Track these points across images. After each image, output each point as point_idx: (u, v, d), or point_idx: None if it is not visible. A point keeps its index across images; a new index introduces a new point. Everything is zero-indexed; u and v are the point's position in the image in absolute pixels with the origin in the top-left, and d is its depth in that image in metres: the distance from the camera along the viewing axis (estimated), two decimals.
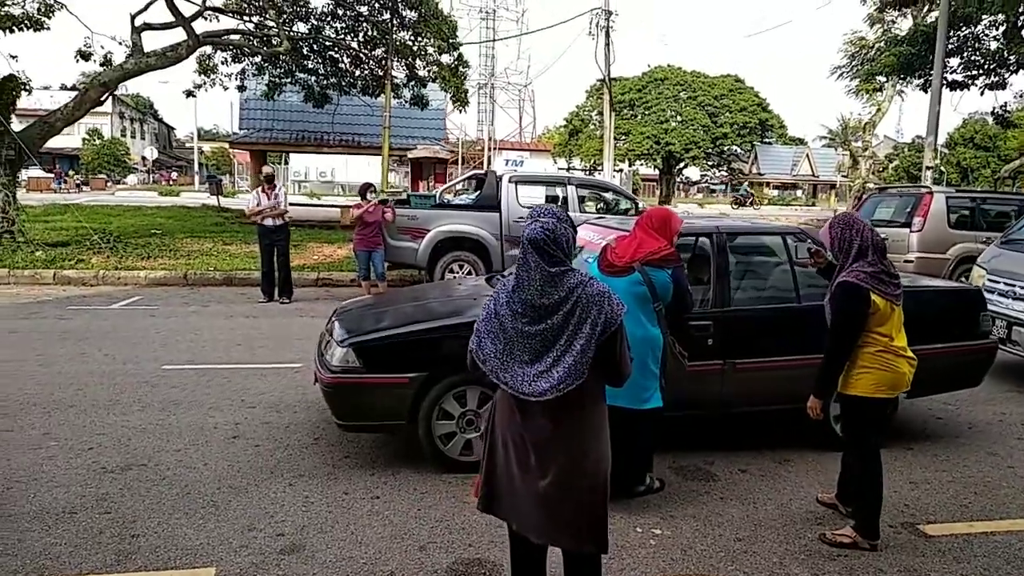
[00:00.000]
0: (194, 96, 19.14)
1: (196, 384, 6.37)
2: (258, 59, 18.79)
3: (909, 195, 11.81)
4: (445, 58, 17.08)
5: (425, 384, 4.53)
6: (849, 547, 3.79)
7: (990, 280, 7.31)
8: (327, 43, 18.40)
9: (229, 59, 18.87)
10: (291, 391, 6.27)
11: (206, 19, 17.26)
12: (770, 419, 5.43)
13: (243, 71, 19.33)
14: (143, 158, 56.22)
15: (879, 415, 3.81)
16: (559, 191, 11.42)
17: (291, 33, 16.38)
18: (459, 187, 12.68)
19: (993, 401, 6.54)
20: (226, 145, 76.15)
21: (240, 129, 22.20)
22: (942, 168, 48.13)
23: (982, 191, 14.38)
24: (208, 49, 18.01)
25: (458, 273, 10.83)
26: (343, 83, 19.32)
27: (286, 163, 50.00)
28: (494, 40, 42.34)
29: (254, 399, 6.04)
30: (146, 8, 14.84)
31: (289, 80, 19.24)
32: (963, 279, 11.04)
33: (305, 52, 18.36)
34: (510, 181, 11.09)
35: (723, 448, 5.17)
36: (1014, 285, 6.93)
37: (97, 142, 48.41)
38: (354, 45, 18.57)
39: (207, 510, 4.08)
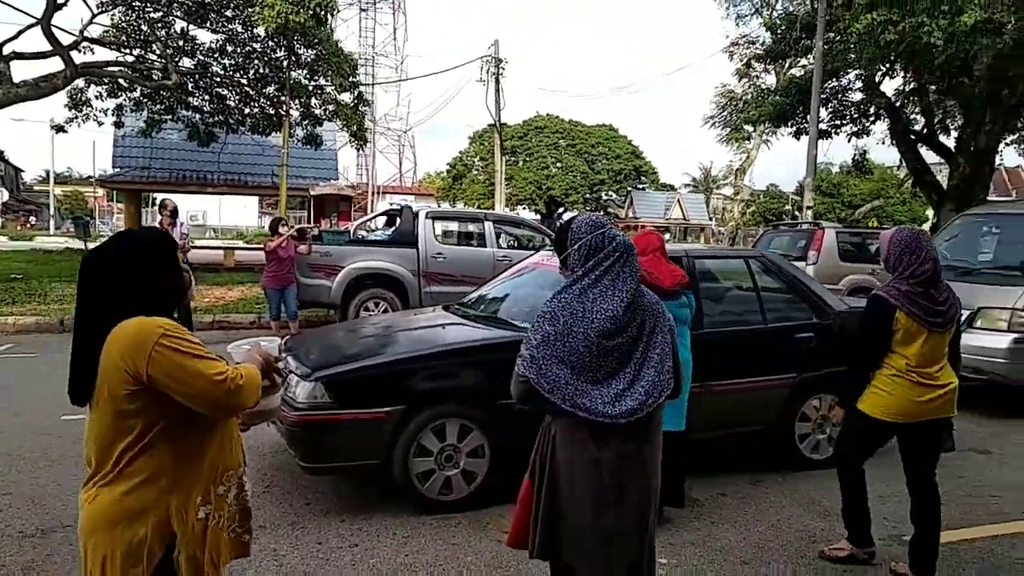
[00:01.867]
0: (64, 131, 17.67)
1: None
2: (136, 94, 17.65)
3: (802, 231, 12.55)
4: (345, 96, 16.73)
5: (403, 419, 4.19)
6: (847, 560, 3.79)
7: None
8: (215, 80, 17.58)
9: (104, 93, 17.60)
10: None
11: (80, 51, 16.14)
12: (730, 443, 5.42)
13: (120, 106, 18.06)
14: None
15: (875, 439, 3.71)
16: (476, 227, 11.28)
17: (178, 67, 15.53)
18: (371, 224, 12.30)
19: None
20: (81, 188, 71.30)
21: (114, 167, 20.66)
22: (796, 212, 52.07)
23: (865, 228, 15.56)
24: (80, 82, 16.78)
25: (373, 311, 10.39)
26: (231, 121, 18.46)
27: (152, 205, 47.27)
28: (398, 80, 42.13)
29: None
30: (17, 36, 13.67)
31: (171, 117, 18.14)
32: None
33: (190, 88, 17.44)
34: (427, 217, 10.85)
35: (693, 473, 5.09)
36: None
37: None
38: (244, 82, 17.83)
39: None
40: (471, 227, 11.37)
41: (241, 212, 46.12)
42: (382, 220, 12.39)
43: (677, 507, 4.26)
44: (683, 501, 4.31)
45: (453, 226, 11.55)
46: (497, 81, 27.01)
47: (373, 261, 10.49)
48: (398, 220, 11.44)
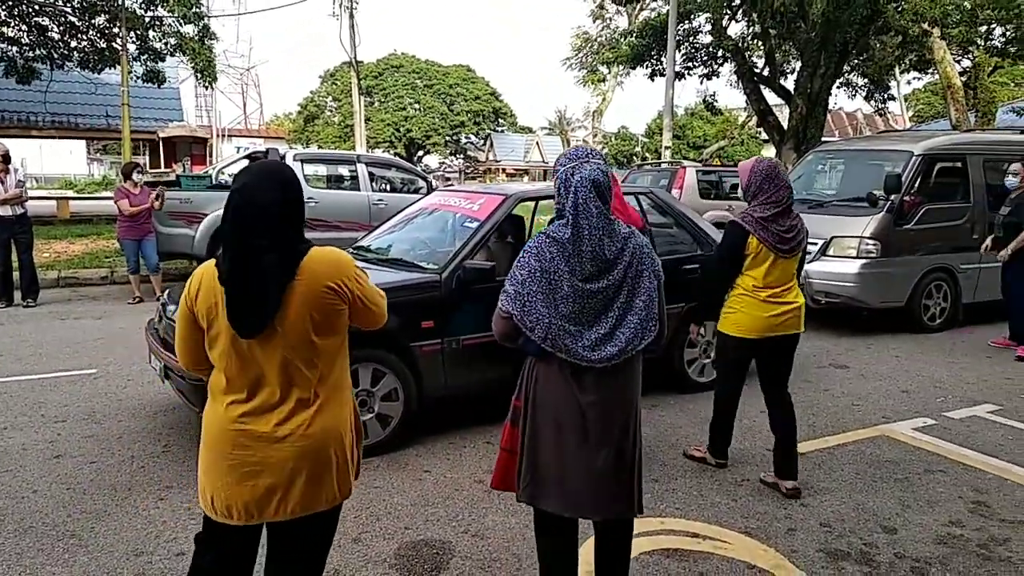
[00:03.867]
0: None
1: None
2: None
3: (664, 170, 13.11)
4: (189, 28, 15.37)
5: None
6: (701, 460, 4.26)
7: None
8: (33, 7, 15.62)
9: None
10: (100, 400, 5.29)
11: None
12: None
13: None
14: None
15: (737, 355, 3.95)
16: (348, 169, 10.91)
17: None
18: (233, 169, 11.55)
19: None
20: None
21: None
22: (645, 154, 54.24)
23: (721, 167, 16.45)
24: None
25: None
26: (55, 55, 16.54)
27: None
28: (239, 13, 38.92)
29: (57, 412, 5.00)
30: None
31: None
32: None
33: (4, 17, 15.42)
34: (296, 159, 10.34)
35: None
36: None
37: None
38: (68, 11, 15.97)
39: (68, 542, 3.30)
40: (343, 170, 10.99)
41: (67, 158, 41.79)
42: (244, 164, 11.68)
43: None
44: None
45: (324, 169, 11.11)
46: (351, 16, 25.89)
47: None
48: None
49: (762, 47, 19.82)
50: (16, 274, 8.86)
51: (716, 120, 40.31)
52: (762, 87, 19.62)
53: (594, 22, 29.71)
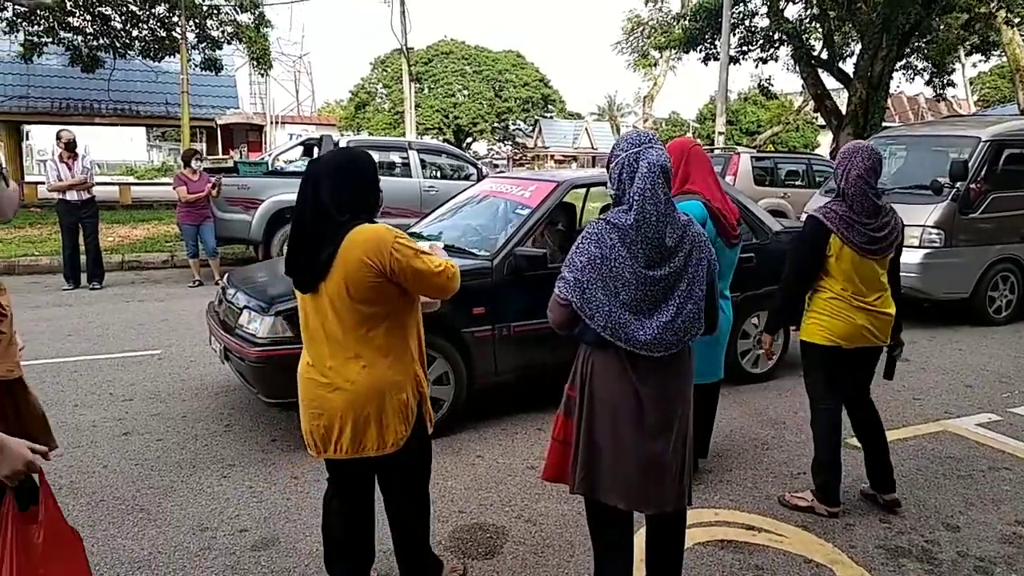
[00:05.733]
0: None
1: (40, 382, 5.33)
2: (8, 14, 15.96)
3: (718, 156, 12.87)
4: (245, 17, 15.65)
5: None
6: (806, 510, 3.53)
7: None
8: None
9: None
10: (164, 380, 5.47)
11: None
12: None
13: None
14: None
15: (831, 367, 3.48)
16: (400, 156, 11.01)
17: None
18: (289, 156, 11.77)
19: None
20: None
21: None
22: (697, 140, 53.34)
23: (776, 153, 16.10)
24: None
25: None
26: (117, 44, 17.01)
27: (26, 139, 43.45)
28: (292, 2, 39.53)
29: (125, 391, 5.19)
30: None
31: (50, 40, 16.52)
32: None
33: (69, 7, 15.89)
34: (348, 145, 10.48)
35: None
36: None
37: None
38: (130, 1, 16.39)
39: (137, 516, 3.43)
40: (395, 157, 11.08)
41: (128, 145, 42.99)
42: (299, 151, 11.89)
43: (702, 457, 3.99)
44: (707, 452, 4.05)
45: (376, 156, 11.21)
46: (402, 3, 25.96)
47: (295, 193, 10.03)
48: (316, 150, 11.01)
49: (820, 29, 19.28)
50: (83, 257, 9.20)
51: (770, 105, 39.40)
52: (820, 71, 19.12)
53: (645, 5, 29.25)
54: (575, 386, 2.48)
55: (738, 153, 12.51)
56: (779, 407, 5.07)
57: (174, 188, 9.47)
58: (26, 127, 27.36)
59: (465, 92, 47.08)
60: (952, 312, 7.73)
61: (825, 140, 51.97)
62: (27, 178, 20.88)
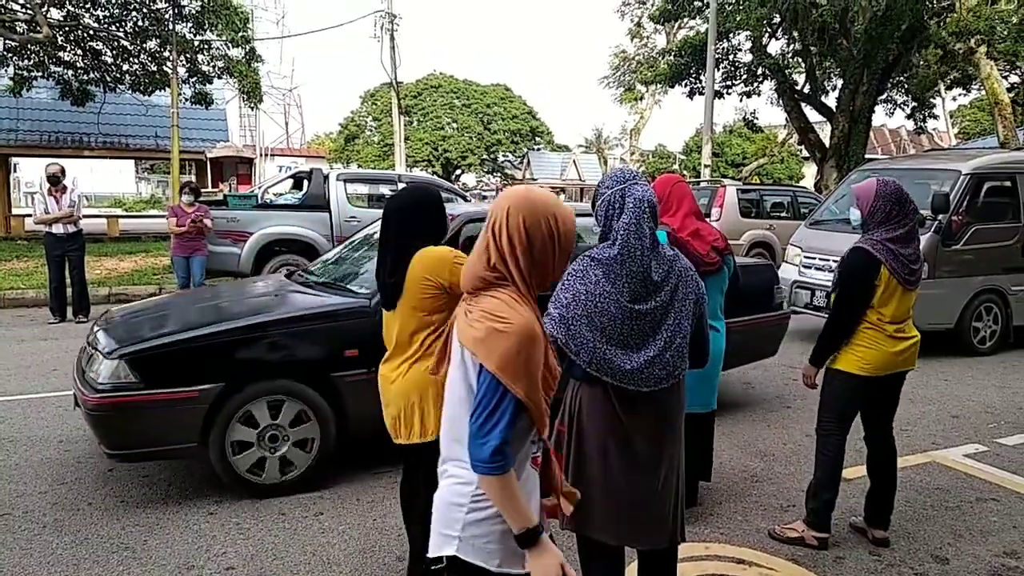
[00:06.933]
0: None
1: (25, 417, 5.27)
2: None
3: (703, 189, 13.02)
4: (236, 52, 15.79)
5: (220, 398, 3.83)
6: (795, 542, 3.54)
7: (806, 256, 8.27)
8: (88, 33, 16.19)
9: None
10: None
11: None
12: None
13: None
14: None
15: (855, 397, 3.50)
16: (390, 188, 11.07)
17: (48, 19, 14.20)
18: (277, 188, 11.83)
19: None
20: None
21: None
22: (683, 172, 53.93)
23: (762, 185, 16.31)
24: None
25: None
26: (108, 78, 17.11)
27: (14, 171, 43.33)
28: (282, 36, 39.94)
29: None
30: None
31: (40, 74, 16.60)
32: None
33: (60, 42, 15.99)
34: (338, 179, 10.54)
35: None
36: (828, 259, 7.86)
37: None
38: (121, 35, 16.52)
39: (123, 554, 3.39)
40: (385, 189, 11.15)
41: (116, 177, 43.01)
42: (289, 183, 11.94)
43: (705, 481, 4.00)
44: (710, 475, 4.03)
45: (366, 188, 11.30)
46: (392, 38, 26.33)
47: (284, 226, 10.15)
48: (306, 183, 11.08)
49: (803, 64, 19.70)
50: (69, 290, 9.15)
51: (756, 137, 39.94)
52: (803, 104, 19.47)
53: (632, 41, 29.78)
54: (564, 421, 2.48)
55: (724, 185, 12.66)
56: (768, 439, 5.08)
57: (167, 218, 9.48)
58: (14, 159, 27.30)
59: (454, 125, 47.50)
60: (937, 343, 7.80)
61: (810, 172, 52.66)
62: (14, 211, 20.80)
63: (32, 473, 4.33)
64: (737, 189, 12.74)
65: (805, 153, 35.84)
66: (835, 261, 7.58)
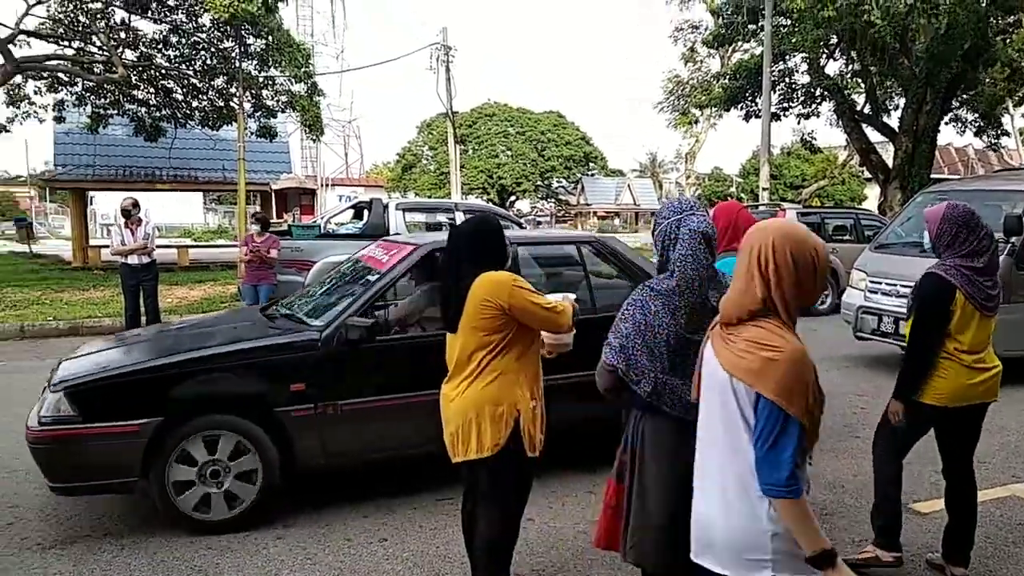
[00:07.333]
0: (7, 131, 16.92)
1: None
2: (78, 88, 16.98)
3: (761, 213, 12.84)
4: (298, 87, 16.37)
5: (160, 433, 3.81)
6: (868, 563, 3.51)
7: (872, 282, 8.05)
8: (160, 72, 17.01)
9: (43, 88, 16.91)
10: None
11: (17, 45, 15.44)
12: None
13: (61, 102, 17.37)
14: None
15: (919, 426, 3.47)
16: (447, 216, 11.25)
17: (123, 60, 14.99)
18: (339, 218, 12.15)
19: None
20: (11, 188, 68.13)
21: (57, 166, 19.78)
22: (741, 195, 53.22)
23: (823, 208, 16.03)
24: (18, 78, 16.09)
25: None
26: (178, 114, 17.91)
27: (90, 204, 45.48)
28: (342, 71, 41.28)
29: None
30: None
31: (116, 111, 17.49)
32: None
33: (135, 81, 16.84)
34: (397, 208, 10.77)
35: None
36: (895, 284, 7.65)
37: None
38: (191, 74, 17.30)
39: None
40: (442, 217, 11.33)
41: (185, 208, 44.63)
42: (350, 213, 12.24)
43: None
44: None
45: (423, 217, 11.50)
46: (447, 69, 26.85)
47: (346, 255, 10.34)
48: (367, 213, 11.33)
49: (863, 84, 19.34)
50: (143, 318, 9.52)
51: (815, 159, 39.24)
52: (864, 125, 19.08)
53: (685, 65, 29.71)
54: (626, 451, 2.49)
55: (783, 208, 12.47)
56: (837, 470, 4.95)
57: (241, 253, 9.85)
58: (91, 193, 28.64)
59: (508, 152, 48.04)
60: (1013, 371, 7.47)
61: (872, 193, 51.42)
62: (91, 241, 21.77)
63: (110, 495, 4.49)
64: (797, 212, 12.53)
65: (867, 174, 35.04)
66: (903, 286, 7.42)
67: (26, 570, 3.58)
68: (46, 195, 57.66)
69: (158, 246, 10.20)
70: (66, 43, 16.28)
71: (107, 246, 13.79)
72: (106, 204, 45.99)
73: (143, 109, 17.85)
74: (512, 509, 2.97)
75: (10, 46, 14.40)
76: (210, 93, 17.75)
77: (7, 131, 17.04)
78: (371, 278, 4.55)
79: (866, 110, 19.02)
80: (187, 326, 5.42)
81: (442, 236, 5.31)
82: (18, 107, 16.85)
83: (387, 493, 4.49)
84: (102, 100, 17.38)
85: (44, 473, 3.86)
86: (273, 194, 20.47)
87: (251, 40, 16.17)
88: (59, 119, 17.88)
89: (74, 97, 17.21)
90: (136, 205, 9.39)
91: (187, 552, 3.74)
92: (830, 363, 8.09)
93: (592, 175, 53.97)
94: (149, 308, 9.47)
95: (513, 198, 50.93)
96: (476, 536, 2.99)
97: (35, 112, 17.15)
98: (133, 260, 9.29)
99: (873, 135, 19.37)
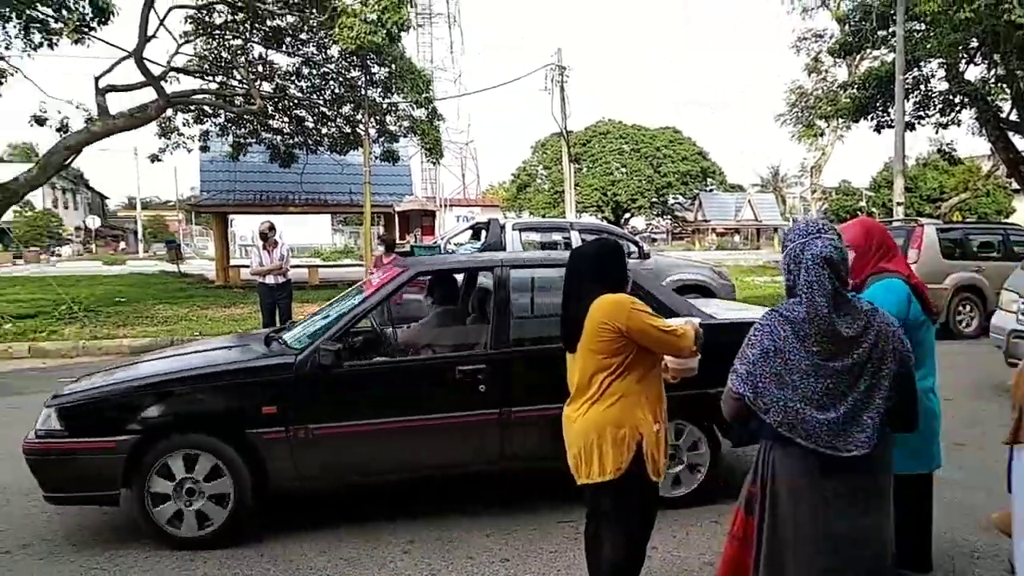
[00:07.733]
0: (159, 160, 18.52)
1: None
2: (220, 119, 18.37)
3: (899, 228, 12.10)
4: (419, 112, 17.02)
5: (136, 450, 3.96)
6: None
7: None
8: (293, 102, 18.13)
9: (191, 120, 18.39)
10: None
11: (167, 81, 16.87)
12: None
13: (206, 132, 18.85)
14: (77, 228, 54.25)
15: None
16: (562, 235, 11.30)
17: (260, 92, 16.10)
18: (459, 238, 12.49)
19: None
20: (162, 212, 74.36)
21: (202, 192, 21.44)
22: (872, 209, 50.43)
23: (965, 223, 14.98)
24: (169, 112, 17.56)
25: None
26: (310, 141, 18.99)
27: (230, 226, 48.83)
28: (461, 95, 42.98)
29: None
30: (111, 69, 14.36)
31: (254, 140, 18.78)
32: (962, 307, 11.32)
33: (270, 111, 18.04)
34: (514, 228, 10.94)
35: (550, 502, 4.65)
36: None
37: (29, 213, 46.13)
38: (321, 103, 18.34)
39: None
40: (557, 236, 11.39)
41: (314, 228, 47.17)
42: (468, 234, 12.53)
43: (923, 573, 3.28)
44: (930, 564, 3.33)
45: (538, 236, 11.60)
46: (562, 89, 27.10)
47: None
48: (484, 233, 11.55)
49: (1009, 90, 17.91)
50: None
51: (955, 170, 36.66)
52: (1011, 133, 17.67)
53: (809, 76, 28.57)
54: (756, 482, 2.41)
55: (921, 224, 11.69)
56: (990, 509, 4.56)
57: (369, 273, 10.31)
58: (231, 216, 30.76)
59: (623, 170, 47.84)
60: None
61: (1021, 205, 47.40)
62: (231, 262, 23.35)
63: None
64: (937, 228, 11.73)
65: (1016, 185, 32.40)
66: None
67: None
68: (191, 219, 62.54)
69: (291, 266, 10.82)
70: (210, 78, 17.63)
71: (246, 266, 14.75)
72: (243, 226, 49.20)
73: (278, 137, 19.07)
74: (637, 533, 2.95)
75: (162, 83, 15.75)
76: (338, 120, 18.73)
77: (159, 160, 18.60)
78: (355, 302, 4.60)
79: (1013, 117, 17.61)
80: (189, 350, 5.59)
81: (430, 259, 5.59)
82: (169, 138, 18.38)
83: (507, 512, 4.53)
84: (242, 130, 18.71)
85: (39, 484, 4.11)
86: (396, 216, 21.25)
87: (376, 69, 16.97)
88: (204, 148, 19.37)
89: (217, 128, 18.65)
90: (272, 228, 10.01)
91: (319, 562, 3.91)
92: (981, 392, 7.53)
93: (710, 190, 52.77)
94: (284, 324, 10.04)
95: (628, 215, 50.53)
96: (601, 559, 2.96)
97: (183, 142, 18.67)
98: (270, 280, 9.89)
99: (1022, 144, 17.90)
